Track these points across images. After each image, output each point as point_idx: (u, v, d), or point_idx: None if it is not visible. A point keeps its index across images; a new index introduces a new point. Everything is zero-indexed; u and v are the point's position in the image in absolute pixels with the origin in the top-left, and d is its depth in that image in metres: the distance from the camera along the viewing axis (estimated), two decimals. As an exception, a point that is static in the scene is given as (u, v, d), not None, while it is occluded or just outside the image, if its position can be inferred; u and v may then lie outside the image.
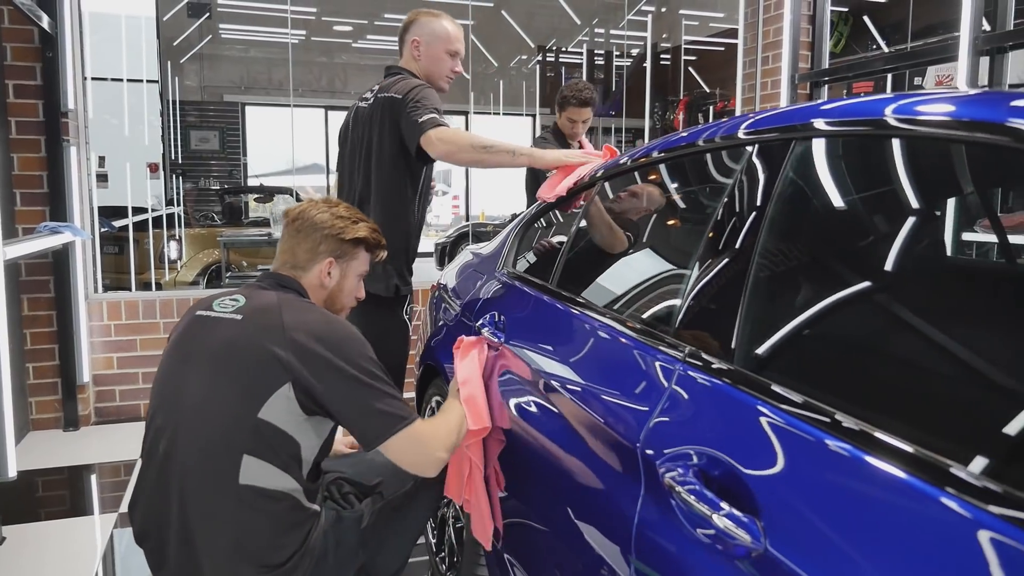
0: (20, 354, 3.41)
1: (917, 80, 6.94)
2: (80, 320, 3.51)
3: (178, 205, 7.76)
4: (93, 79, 4.11)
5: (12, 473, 2.52)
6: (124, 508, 2.49)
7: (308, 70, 10.41)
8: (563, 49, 8.10)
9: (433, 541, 2.15)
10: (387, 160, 2.13)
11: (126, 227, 4.92)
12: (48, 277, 3.46)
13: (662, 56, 6.70)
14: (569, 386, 1.33)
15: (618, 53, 6.96)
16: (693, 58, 6.50)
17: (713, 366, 1.04)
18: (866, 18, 8.37)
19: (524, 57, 9.11)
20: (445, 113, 2.11)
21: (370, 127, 2.15)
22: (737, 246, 1.13)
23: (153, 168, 7.10)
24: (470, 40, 9.15)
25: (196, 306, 1.45)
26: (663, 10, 6.51)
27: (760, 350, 1.01)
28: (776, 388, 0.92)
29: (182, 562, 1.31)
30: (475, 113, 8.60)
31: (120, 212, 4.89)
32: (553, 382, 1.39)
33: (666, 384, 1.10)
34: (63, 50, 3.40)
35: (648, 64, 5.83)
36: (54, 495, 2.87)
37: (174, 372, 1.39)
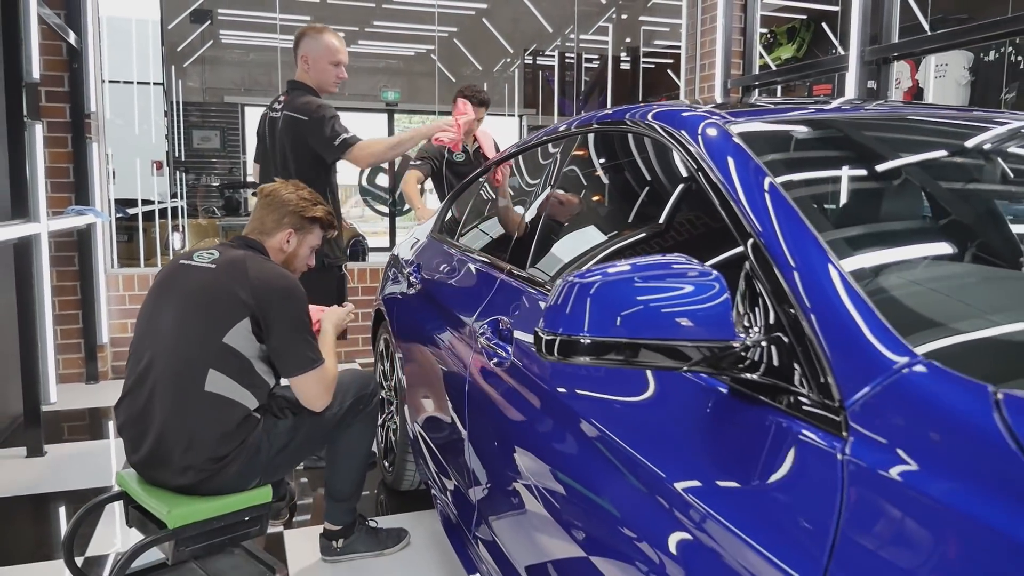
0: (51, 318, 4.07)
1: (870, 83, 7.59)
2: (100, 290, 4.19)
3: (181, 199, 8.43)
4: (108, 82, 4.79)
5: (54, 398, 3.20)
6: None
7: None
8: (541, 53, 8.78)
9: (382, 447, 2.83)
10: (300, 165, 2.74)
11: (135, 217, 5.59)
12: (73, 253, 4.14)
13: (622, 60, 7.36)
14: (446, 293, 2.01)
15: (595, 56, 7.68)
16: (655, 63, 7.17)
17: (515, 273, 1.70)
18: (824, 25, 9.00)
19: (507, 60, 9.78)
20: (437, 114, 2.76)
21: (282, 137, 2.75)
22: (540, 203, 1.80)
23: (158, 166, 7.78)
24: (455, 45, 9.82)
25: (179, 256, 2.02)
26: (624, 17, 7.17)
27: (537, 264, 1.67)
28: (535, 280, 1.58)
29: (152, 449, 1.82)
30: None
31: (130, 204, 5.56)
32: (437, 293, 2.07)
33: (493, 288, 1.76)
34: (86, 60, 4.08)
35: (609, 68, 6.48)
36: (80, 425, 3.55)
37: (158, 305, 1.92)
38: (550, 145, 2.01)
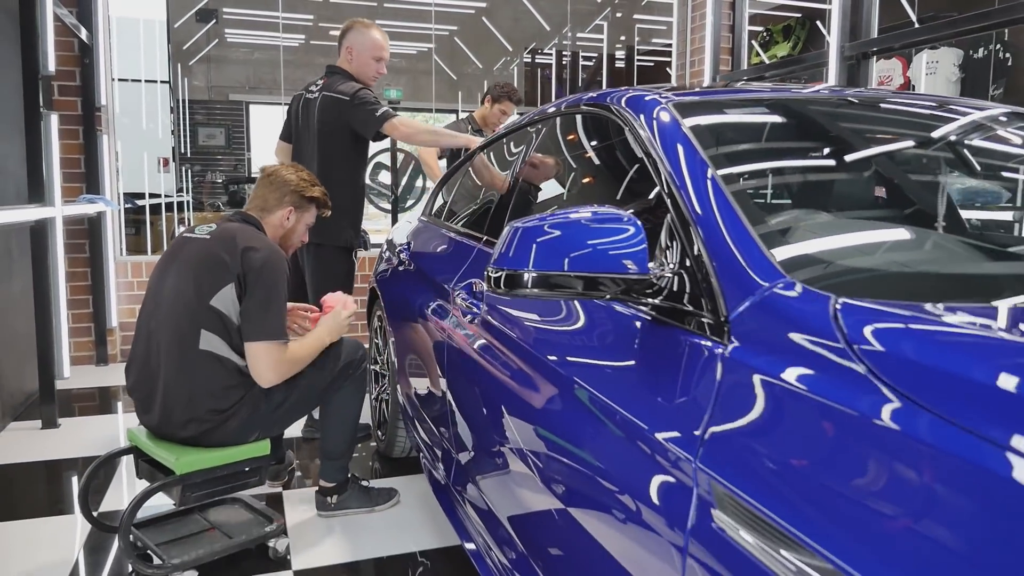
0: (64, 301, 4.28)
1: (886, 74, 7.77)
2: (109, 277, 4.39)
3: (187, 194, 8.64)
4: (118, 80, 4.99)
5: (67, 373, 3.40)
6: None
7: (308, 71, 11.29)
8: (540, 51, 8.96)
9: (376, 419, 3.02)
10: (337, 145, 2.91)
11: (142, 210, 5.80)
12: (84, 241, 4.34)
13: (616, 58, 7.54)
14: (431, 266, 2.20)
15: (594, 54, 7.90)
16: (648, 61, 7.35)
17: (490, 242, 1.89)
18: (819, 23, 9.18)
19: (507, 59, 9.96)
20: (436, 111, 2.97)
21: (321, 117, 2.90)
22: (515, 178, 1.98)
23: (164, 162, 8.00)
24: (456, 44, 10.01)
25: (185, 230, 2.22)
26: (618, 15, 7.35)
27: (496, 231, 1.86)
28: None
29: (160, 405, 2.01)
30: (462, 111, 9.47)
31: (137, 198, 5.77)
32: (424, 267, 2.26)
33: (471, 257, 1.95)
34: (97, 56, 4.28)
35: (604, 66, 6.66)
36: (91, 404, 3.74)
37: (162, 275, 2.11)
38: (529, 127, 2.20)
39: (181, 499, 2.00)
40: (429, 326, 2.12)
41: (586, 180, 1.77)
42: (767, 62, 9.54)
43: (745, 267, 0.98)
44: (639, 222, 1.07)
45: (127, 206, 5.01)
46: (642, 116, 1.40)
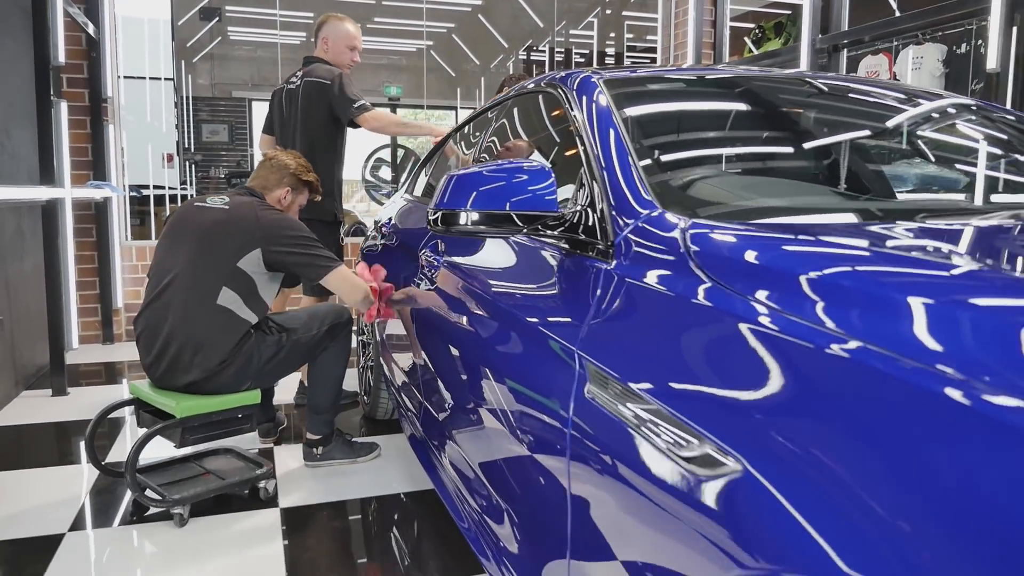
0: (74, 280, 4.53)
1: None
2: (115, 260, 4.64)
3: (191, 187, 8.90)
4: (125, 77, 5.25)
5: (75, 344, 3.64)
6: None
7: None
8: (535, 48, 9.19)
9: (362, 387, 3.26)
10: (319, 126, 3.17)
11: (147, 201, 6.05)
12: (91, 225, 4.59)
13: (607, 55, 7.76)
14: (407, 234, 2.44)
15: (587, 51, 8.14)
16: (636, 57, 7.58)
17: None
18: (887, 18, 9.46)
19: (503, 56, 10.19)
20: (436, 108, 3.20)
21: (303, 102, 3.16)
22: (481, 150, 2.21)
23: (168, 158, 8.27)
24: (455, 41, 10.25)
25: (192, 201, 2.48)
26: (608, 12, 7.58)
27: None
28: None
29: (169, 352, 2.25)
30: (461, 107, 9.71)
31: (142, 189, 6.04)
32: (400, 238, 2.49)
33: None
34: (103, 50, 4.53)
35: (595, 62, 6.88)
36: (97, 377, 3.99)
37: (176, 237, 2.36)
38: (496, 107, 2.42)
39: (181, 441, 2.23)
40: (403, 289, 2.35)
41: (539, 147, 2.00)
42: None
43: (631, 203, 1.20)
44: (551, 171, 1.30)
45: (132, 194, 5.26)
46: (575, 92, 1.63)
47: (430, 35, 10.29)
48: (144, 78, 6.41)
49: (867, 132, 1.67)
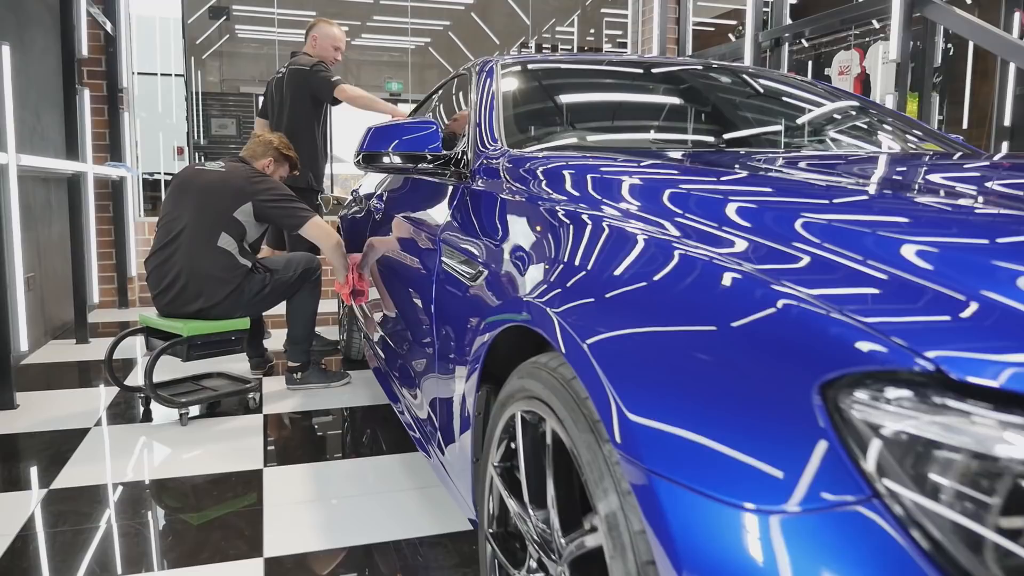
0: (95, 249, 5.12)
1: (826, 71, 8.48)
2: (129, 233, 5.22)
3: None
4: (138, 73, 5.84)
5: (95, 300, 4.22)
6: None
7: (314, 65, 12.12)
8: (525, 45, 9.74)
9: (342, 336, 3.82)
10: (300, 107, 3.74)
11: (158, 186, 6.65)
12: (109, 202, 5.18)
13: (586, 49, 8.28)
14: (369, 196, 2.99)
15: (569, 47, 8.67)
16: (616, 51, 8.15)
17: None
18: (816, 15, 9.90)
19: (497, 53, 10.73)
20: (411, 102, 3.75)
21: (287, 87, 3.74)
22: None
23: (180, 151, 8.89)
24: (451, 38, 10.80)
25: (192, 165, 3.06)
26: (587, 6, 8.11)
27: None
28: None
29: (177, 287, 2.83)
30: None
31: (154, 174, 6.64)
32: (366, 199, 3.05)
33: (388, 180, 2.73)
34: (120, 45, 5.12)
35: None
36: (114, 330, 4.57)
37: (183, 193, 2.93)
38: (441, 88, 2.97)
39: (187, 355, 2.80)
40: (366, 241, 2.90)
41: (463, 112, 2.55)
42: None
43: (487, 145, 1.75)
44: (435, 125, 1.85)
45: (145, 176, 5.85)
46: (478, 73, 2.17)
47: (428, 32, 10.85)
48: (156, 74, 7.03)
49: (686, 100, 2.20)
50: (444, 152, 1.85)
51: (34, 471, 2.32)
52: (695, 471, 0.67)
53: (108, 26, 4.96)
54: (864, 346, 0.59)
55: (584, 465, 0.85)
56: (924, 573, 0.52)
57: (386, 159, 1.84)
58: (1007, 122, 7.17)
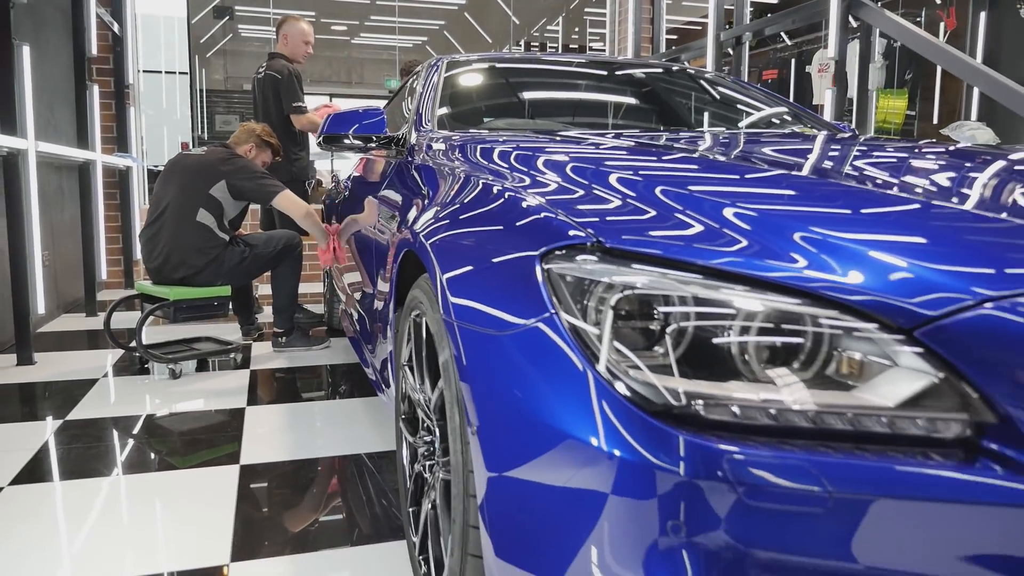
0: (103, 234, 5.55)
1: (808, 68, 8.84)
2: (135, 219, 5.65)
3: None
4: (144, 72, 6.27)
5: (103, 276, 4.65)
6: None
7: (314, 63, 12.56)
8: (516, 43, 10.13)
9: (325, 309, 4.24)
10: (273, 110, 4.14)
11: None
12: (116, 190, 5.61)
13: (570, 47, 8.68)
14: (349, 180, 3.39)
15: (556, 45, 9.06)
16: (595, 48, 8.51)
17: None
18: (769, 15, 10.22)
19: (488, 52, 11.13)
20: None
21: (264, 90, 4.16)
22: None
23: (184, 147, 9.32)
24: (447, 37, 11.20)
25: (183, 151, 3.47)
26: (571, 7, 8.50)
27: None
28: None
29: (163, 255, 3.23)
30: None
31: (159, 166, 7.07)
32: (346, 182, 3.45)
33: (362, 162, 3.13)
34: (126, 45, 5.55)
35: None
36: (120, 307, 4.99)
37: (170, 175, 3.35)
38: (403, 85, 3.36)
39: (173, 317, 3.22)
40: (343, 221, 3.30)
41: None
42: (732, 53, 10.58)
43: (423, 127, 2.14)
44: (381, 112, 2.25)
45: (150, 167, 6.28)
46: (426, 69, 2.57)
47: (424, 32, 11.26)
48: (160, 72, 7.45)
49: (593, 92, 2.60)
50: (390, 134, 2.25)
51: (50, 408, 2.74)
52: (475, 316, 1.06)
53: (115, 27, 5.39)
54: (565, 231, 0.99)
55: (435, 336, 1.25)
56: (580, 359, 0.91)
57: (346, 141, 2.24)
58: (974, 116, 7.53)
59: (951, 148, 1.63)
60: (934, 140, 2.00)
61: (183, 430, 2.51)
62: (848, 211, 1.06)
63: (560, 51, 8.57)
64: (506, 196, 1.20)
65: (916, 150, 1.58)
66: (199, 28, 10.88)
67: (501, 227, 1.13)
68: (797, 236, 0.92)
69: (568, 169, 1.27)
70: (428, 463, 1.41)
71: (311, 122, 4.14)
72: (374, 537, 1.76)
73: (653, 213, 1.04)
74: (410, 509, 1.55)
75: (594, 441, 0.85)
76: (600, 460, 0.84)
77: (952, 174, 1.34)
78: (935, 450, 0.79)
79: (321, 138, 2.28)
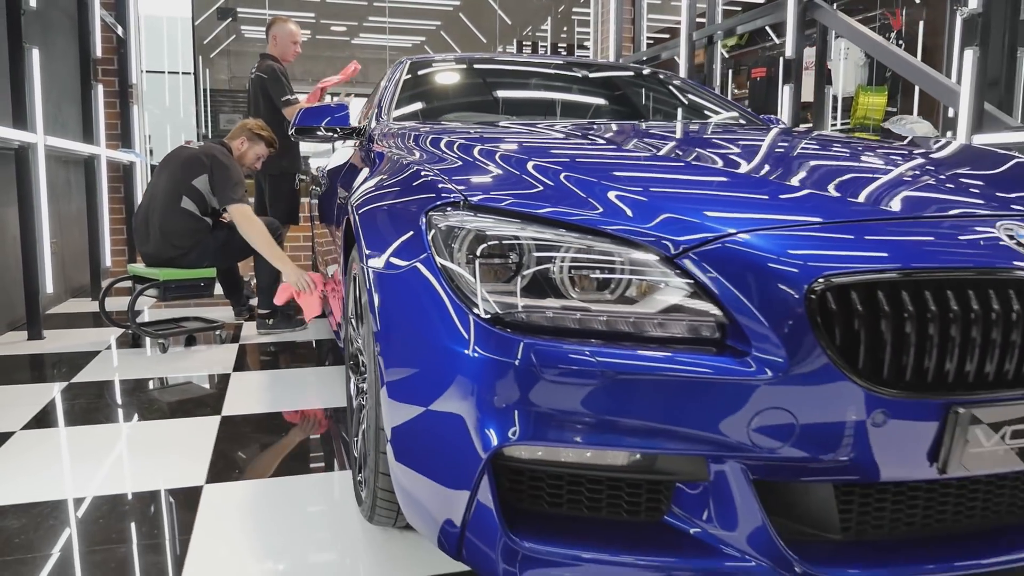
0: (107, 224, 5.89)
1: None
2: (138, 212, 5.98)
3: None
4: (147, 72, 6.61)
5: (108, 263, 4.98)
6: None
7: (315, 63, 12.91)
8: (509, 43, 10.44)
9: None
10: (263, 108, 4.46)
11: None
12: (120, 184, 5.94)
13: (558, 47, 8.98)
14: (323, 169, 3.72)
15: (545, 45, 9.36)
16: (582, 47, 8.84)
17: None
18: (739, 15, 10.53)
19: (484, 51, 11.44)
20: None
21: (255, 89, 4.50)
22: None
23: (188, 144, 9.69)
24: (443, 37, 11.52)
25: (183, 144, 3.80)
26: (560, 9, 8.80)
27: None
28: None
29: (153, 239, 3.55)
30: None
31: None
32: (323, 173, 3.78)
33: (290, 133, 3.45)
34: (129, 46, 5.88)
35: (549, 52, 8.08)
36: (123, 293, 5.33)
37: (163, 167, 3.67)
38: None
39: (162, 296, 3.54)
40: (321, 214, 3.61)
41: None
42: (725, 53, 10.97)
43: (382, 118, 2.45)
44: (345, 107, 2.55)
45: (153, 164, 6.62)
46: (393, 68, 2.88)
47: (421, 32, 11.58)
48: (163, 72, 7.81)
49: (528, 88, 2.90)
50: (354, 126, 2.56)
51: (57, 373, 3.06)
52: (380, 261, 1.37)
53: (119, 30, 5.72)
54: (443, 192, 1.30)
55: (360, 282, 1.56)
56: (447, 294, 1.21)
57: (320, 132, 2.55)
58: (951, 113, 7.77)
59: (815, 137, 1.93)
60: (825, 133, 2.29)
61: (173, 389, 2.84)
62: (654, 175, 1.38)
63: (549, 51, 8.86)
64: (412, 170, 1.51)
65: (783, 138, 1.87)
66: (203, 29, 11.24)
67: (403, 193, 1.44)
68: (611, 195, 1.23)
69: (472, 150, 1.58)
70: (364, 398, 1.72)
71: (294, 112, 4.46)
72: (328, 468, 2.07)
73: (515, 179, 1.35)
74: (354, 439, 1.86)
75: (458, 347, 1.16)
76: (462, 358, 1.15)
77: (777, 153, 1.64)
78: (697, 347, 1.10)
79: (293, 130, 2.59)
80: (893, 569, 1.12)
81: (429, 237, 1.26)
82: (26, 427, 2.39)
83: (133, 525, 1.72)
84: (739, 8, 10.18)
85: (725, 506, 1.11)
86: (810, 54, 8.94)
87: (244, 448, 2.22)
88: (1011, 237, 1.13)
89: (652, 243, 1.12)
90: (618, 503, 1.18)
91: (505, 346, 1.11)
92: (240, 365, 3.23)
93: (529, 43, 9.32)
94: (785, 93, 4.76)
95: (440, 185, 1.35)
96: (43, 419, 2.48)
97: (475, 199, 1.26)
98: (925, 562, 1.13)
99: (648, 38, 8.20)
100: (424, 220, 1.28)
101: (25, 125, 3.57)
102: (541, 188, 1.28)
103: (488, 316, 1.14)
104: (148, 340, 3.65)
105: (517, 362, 1.09)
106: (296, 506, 1.81)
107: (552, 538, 1.15)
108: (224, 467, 2.06)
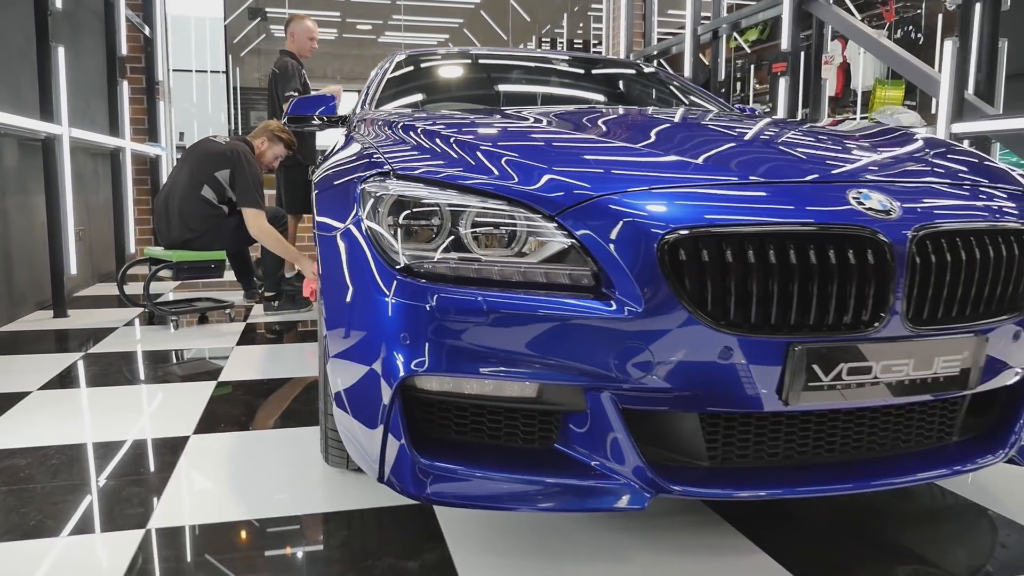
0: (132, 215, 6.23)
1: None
2: (163, 203, 6.30)
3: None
4: (175, 71, 6.95)
5: (132, 250, 5.30)
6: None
7: (343, 61, 13.24)
8: (530, 39, 10.62)
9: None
10: (277, 104, 4.71)
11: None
12: (147, 176, 6.28)
13: (574, 43, 9.12)
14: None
15: (562, 42, 9.52)
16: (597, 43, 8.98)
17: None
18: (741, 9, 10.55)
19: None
20: None
21: (271, 87, 4.76)
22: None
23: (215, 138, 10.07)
24: (465, 35, 11.73)
25: (210, 135, 4.07)
26: (575, 9, 8.95)
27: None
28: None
29: (171, 223, 3.83)
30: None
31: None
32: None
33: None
34: (156, 46, 6.21)
35: (566, 48, 8.25)
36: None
37: (187, 156, 3.97)
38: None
39: (176, 275, 3.81)
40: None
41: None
42: (745, 47, 11.01)
43: (364, 107, 2.66)
44: (333, 97, 2.77)
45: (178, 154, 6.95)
46: (385, 61, 3.09)
47: (444, 29, 11.82)
48: (191, 71, 8.15)
49: (500, 81, 3.08)
50: (342, 114, 2.77)
51: (77, 345, 3.34)
52: (325, 225, 1.58)
53: (146, 30, 6.05)
54: (377, 164, 1.50)
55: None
56: (373, 257, 1.40)
57: (315, 121, 2.77)
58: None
59: (737, 117, 2.09)
60: (786, 119, 2.43)
61: (179, 359, 3.09)
62: (562, 149, 1.56)
63: (565, 47, 9.01)
64: (360, 149, 1.72)
65: (736, 122, 2.03)
66: (233, 29, 11.63)
67: (350, 170, 1.64)
68: (511, 165, 1.42)
69: (420, 132, 1.78)
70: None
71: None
72: (304, 424, 2.29)
73: (442, 155, 1.54)
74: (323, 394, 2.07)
75: (377, 296, 1.35)
76: (380, 304, 1.34)
77: (684, 130, 1.81)
78: (575, 293, 1.28)
79: (286, 119, 2.82)
80: (747, 490, 1.29)
81: (361, 202, 1.46)
82: (45, 387, 2.65)
83: (122, 465, 1.95)
84: (750, 2, 10.22)
85: (601, 433, 1.29)
86: (830, 48, 8.93)
87: (233, 407, 2.45)
88: (858, 201, 1.29)
89: (538, 203, 1.31)
90: (515, 432, 1.37)
91: (413, 292, 1.30)
92: (244, 340, 3.47)
93: (548, 39, 9.49)
94: (781, 86, 4.87)
95: (376, 158, 1.55)
96: (63, 380, 2.74)
97: (401, 171, 1.45)
98: (775, 487, 1.29)
99: (668, 34, 8.34)
100: (359, 189, 1.48)
101: (51, 118, 3.87)
102: (456, 158, 1.47)
103: (401, 267, 1.33)
104: (166, 318, 3.93)
105: (424, 305, 1.29)
106: (269, 454, 2.03)
107: (455, 459, 1.34)
108: (212, 422, 2.28)
